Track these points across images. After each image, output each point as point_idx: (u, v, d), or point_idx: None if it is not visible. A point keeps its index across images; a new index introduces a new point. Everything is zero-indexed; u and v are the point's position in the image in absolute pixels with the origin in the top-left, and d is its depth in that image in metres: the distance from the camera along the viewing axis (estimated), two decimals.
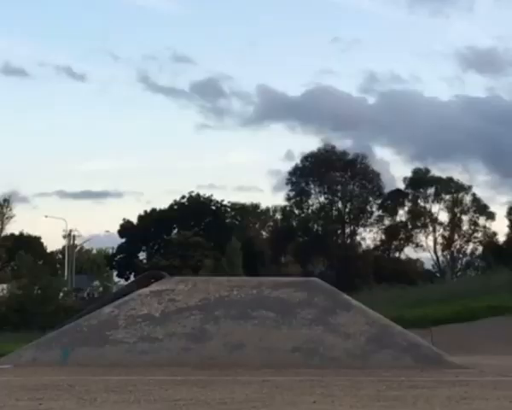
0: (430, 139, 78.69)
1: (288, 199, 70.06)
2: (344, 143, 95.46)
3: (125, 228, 74.48)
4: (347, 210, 70.01)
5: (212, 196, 73.85)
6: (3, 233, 72.07)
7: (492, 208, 68.24)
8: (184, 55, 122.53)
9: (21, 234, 75.94)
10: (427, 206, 69.87)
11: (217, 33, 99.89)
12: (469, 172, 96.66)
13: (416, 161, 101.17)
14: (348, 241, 69.95)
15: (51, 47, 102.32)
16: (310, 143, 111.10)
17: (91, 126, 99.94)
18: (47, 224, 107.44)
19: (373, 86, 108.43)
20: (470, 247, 69.81)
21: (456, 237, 69.49)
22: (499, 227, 72.50)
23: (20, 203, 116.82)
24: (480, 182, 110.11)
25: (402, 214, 70.39)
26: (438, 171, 70.63)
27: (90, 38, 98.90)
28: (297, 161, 70.35)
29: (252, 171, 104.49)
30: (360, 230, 70.62)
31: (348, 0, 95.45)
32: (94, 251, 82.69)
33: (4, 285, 51.57)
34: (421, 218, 69.37)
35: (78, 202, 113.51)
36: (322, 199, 70.22)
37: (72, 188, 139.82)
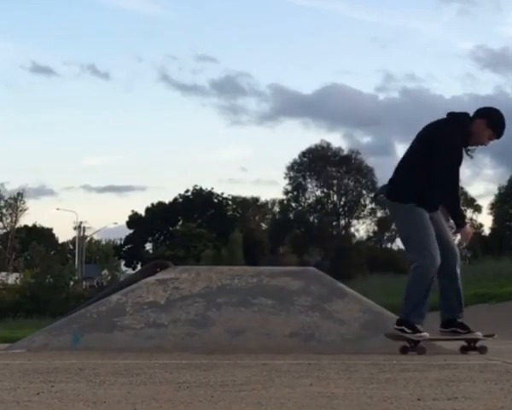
0: None
1: (286, 193, 70.15)
2: (365, 140, 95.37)
3: (133, 220, 74.54)
4: (342, 203, 70.08)
5: (213, 189, 73.89)
6: (17, 225, 72.13)
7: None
8: (204, 53, 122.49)
9: (34, 226, 76.00)
10: None
11: (236, 32, 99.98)
12: (478, 166, 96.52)
13: None
14: (343, 232, 70.01)
15: (76, 46, 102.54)
16: (328, 139, 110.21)
17: (114, 122, 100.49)
18: (62, 216, 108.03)
19: (388, 84, 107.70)
20: (458, 238, 69.82)
21: None
22: (485, 219, 72.53)
23: (47, 196, 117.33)
24: (488, 176, 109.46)
25: None
26: None
27: (113, 37, 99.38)
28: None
29: (269, 166, 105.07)
30: (354, 222, 70.76)
31: None
32: (103, 242, 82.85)
33: (18, 274, 51.68)
34: None
35: (103, 195, 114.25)
36: (318, 193, 70.31)
37: (98, 182, 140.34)
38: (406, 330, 6.02)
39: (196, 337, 6.59)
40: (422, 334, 6.04)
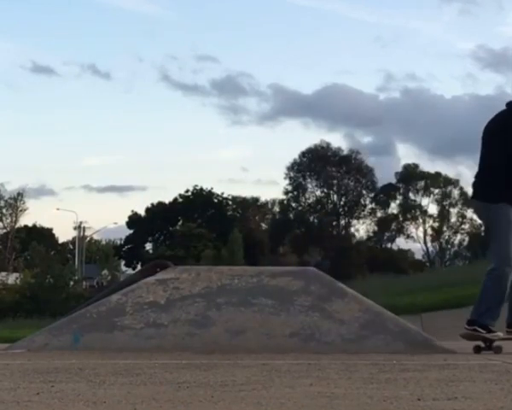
0: (445, 136, 78.64)
1: (286, 193, 70.17)
2: (366, 140, 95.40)
3: (133, 220, 74.55)
4: (342, 203, 70.09)
5: (212, 189, 73.93)
6: (17, 225, 72.14)
7: None
8: (204, 53, 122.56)
9: (34, 226, 76.00)
10: (418, 199, 70.00)
11: (237, 32, 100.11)
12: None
13: (431, 156, 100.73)
14: (343, 232, 70.05)
15: (76, 46, 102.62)
16: (329, 139, 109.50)
17: (114, 122, 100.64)
18: (62, 216, 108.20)
19: (389, 84, 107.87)
20: (458, 238, 69.95)
21: (444, 228, 69.57)
22: None
23: (47, 196, 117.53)
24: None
25: (394, 207, 70.55)
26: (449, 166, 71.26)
27: (113, 37, 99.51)
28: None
29: (270, 166, 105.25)
30: (354, 222, 70.81)
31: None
32: (103, 242, 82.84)
33: (18, 274, 51.67)
34: (412, 210, 69.45)
35: (103, 195, 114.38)
36: (318, 193, 70.33)
37: (98, 182, 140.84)
38: (479, 329, 6.02)
39: (196, 337, 6.59)
40: (497, 333, 6.04)
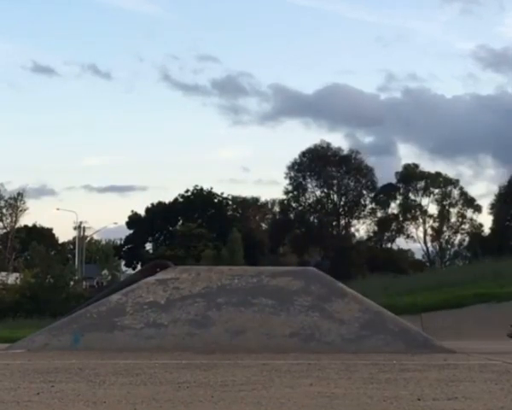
0: (445, 136, 78.44)
1: (286, 193, 70.10)
2: (367, 140, 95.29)
3: (133, 220, 74.51)
4: (342, 203, 70.03)
5: (212, 189, 73.90)
6: (17, 225, 72.11)
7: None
8: (205, 53, 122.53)
9: (34, 226, 75.96)
10: (418, 199, 69.93)
11: (237, 32, 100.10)
12: (481, 166, 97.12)
13: (432, 156, 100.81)
14: (343, 232, 69.97)
15: (76, 46, 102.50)
16: (330, 139, 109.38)
17: (115, 122, 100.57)
18: (62, 216, 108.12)
19: (390, 84, 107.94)
20: (458, 238, 69.85)
21: (444, 228, 69.50)
22: (485, 219, 72.65)
23: (48, 196, 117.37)
24: (491, 176, 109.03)
25: (394, 207, 70.47)
26: (451, 166, 71.20)
27: (113, 37, 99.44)
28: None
29: (271, 166, 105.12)
30: (354, 222, 70.72)
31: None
32: (103, 242, 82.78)
33: (18, 274, 51.62)
34: (412, 210, 69.39)
35: (104, 195, 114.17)
36: (318, 193, 70.28)
37: (98, 182, 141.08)
38: None
39: (196, 337, 6.59)
40: None
